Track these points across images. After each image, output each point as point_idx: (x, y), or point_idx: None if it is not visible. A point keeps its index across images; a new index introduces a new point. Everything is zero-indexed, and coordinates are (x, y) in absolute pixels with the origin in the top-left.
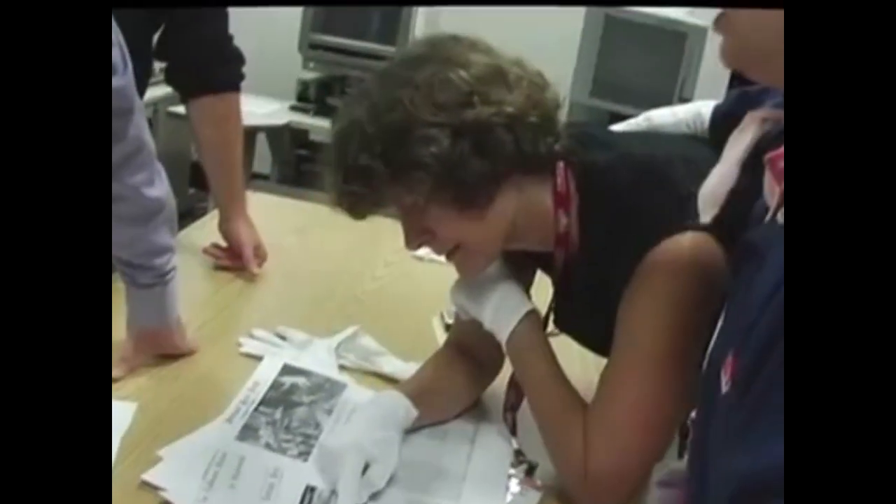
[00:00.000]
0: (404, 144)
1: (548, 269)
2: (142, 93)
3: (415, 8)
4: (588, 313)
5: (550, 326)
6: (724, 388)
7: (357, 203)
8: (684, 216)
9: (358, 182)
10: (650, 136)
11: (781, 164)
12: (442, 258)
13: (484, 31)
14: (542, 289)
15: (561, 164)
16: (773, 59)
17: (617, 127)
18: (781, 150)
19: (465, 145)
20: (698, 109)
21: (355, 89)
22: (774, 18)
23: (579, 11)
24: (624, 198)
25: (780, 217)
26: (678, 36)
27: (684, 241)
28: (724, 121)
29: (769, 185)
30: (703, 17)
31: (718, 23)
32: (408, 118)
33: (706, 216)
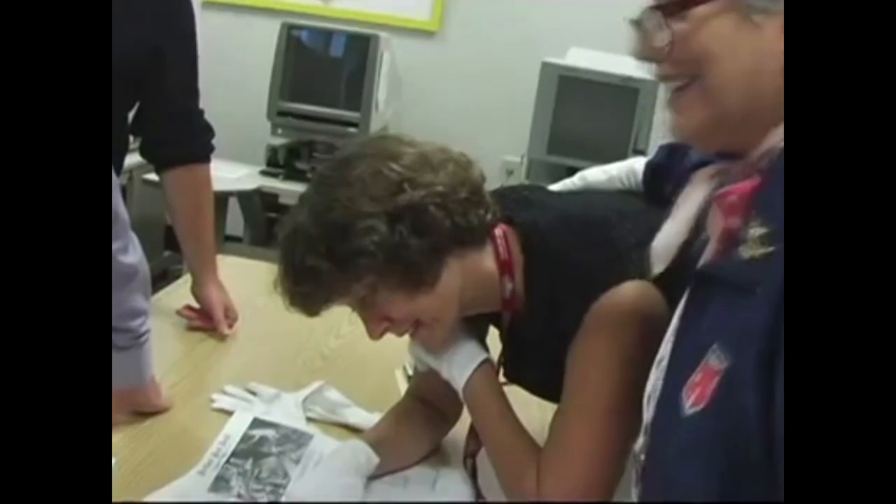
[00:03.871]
0: (346, 238)
1: (497, 324)
2: (118, 168)
3: (377, 75)
4: (535, 365)
5: (502, 378)
6: (688, 409)
7: (309, 302)
8: (623, 268)
9: (308, 282)
10: (586, 195)
11: (732, 198)
12: None
13: (444, 94)
14: (496, 339)
15: (500, 232)
16: (746, 125)
17: (554, 187)
18: (731, 188)
19: (403, 228)
20: (631, 166)
21: (296, 201)
22: (750, 86)
23: (534, 72)
24: (564, 256)
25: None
26: (630, 91)
27: (626, 291)
28: (656, 174)
29: (713, 220)
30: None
31: (685, 97)
32: (346, 214)
33: (658, 267)
